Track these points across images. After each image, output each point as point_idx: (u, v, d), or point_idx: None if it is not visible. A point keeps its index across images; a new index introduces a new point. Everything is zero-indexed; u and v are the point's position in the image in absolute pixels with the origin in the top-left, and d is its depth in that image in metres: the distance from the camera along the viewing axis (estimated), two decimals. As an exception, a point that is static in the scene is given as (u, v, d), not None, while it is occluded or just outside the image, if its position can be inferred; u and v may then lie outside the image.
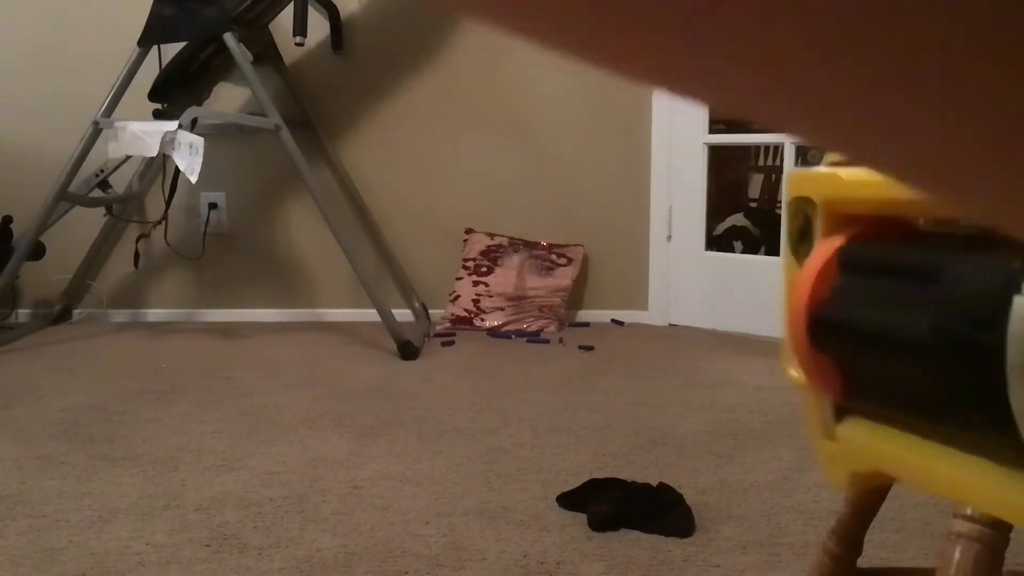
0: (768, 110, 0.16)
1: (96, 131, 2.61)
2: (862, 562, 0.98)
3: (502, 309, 2.99)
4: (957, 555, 0.67)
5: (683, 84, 0.15)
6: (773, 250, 2.88)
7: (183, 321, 3.18)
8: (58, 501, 1.49)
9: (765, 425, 1.92)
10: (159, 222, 3.03)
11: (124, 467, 1.66)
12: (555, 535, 1.35)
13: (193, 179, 2.43)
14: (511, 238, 3.11)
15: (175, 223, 3.13)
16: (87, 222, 3.10)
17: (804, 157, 3.95)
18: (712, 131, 3.00)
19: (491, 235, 3.12)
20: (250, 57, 2.71)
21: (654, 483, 1.52)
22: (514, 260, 3.05)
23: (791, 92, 0.14)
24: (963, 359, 0.29)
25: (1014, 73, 0.12)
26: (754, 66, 0.14)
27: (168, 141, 2.41)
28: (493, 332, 2.94)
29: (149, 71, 2.73)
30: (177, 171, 2.84)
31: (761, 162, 4.53)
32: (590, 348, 2.71)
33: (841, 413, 0.38)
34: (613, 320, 3.14)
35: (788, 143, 2.82)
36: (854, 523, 0.94)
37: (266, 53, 2.97)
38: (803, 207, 0.39)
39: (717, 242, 3.21)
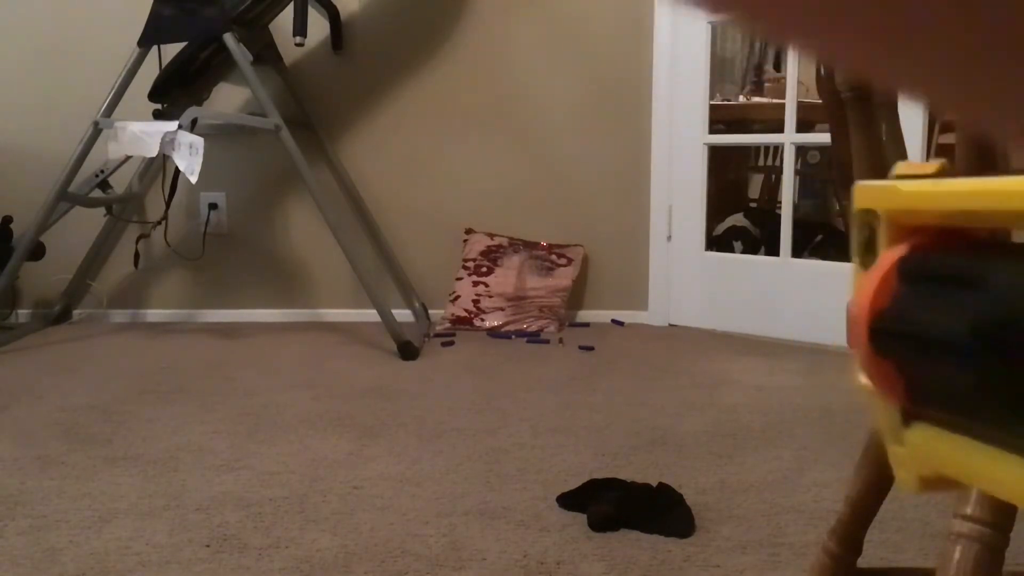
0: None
1: (96, 131, 2.61)
2: (862, 562, 0.98)
3: (502, 309, 2.99)
4: (957, 555, 0.67)
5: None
6: (773, 250, 2.88)
7: (183, 321, 3.18)
8: (58, 501, 1.49)
9: (765, 425, 1.92)
10: (159, 222, 3.03)
11: (124, 467, 1.66)
12: (555, 535, 1.35)
13: (193, 179, 2.43)
14: (511, 238, 3.11)
15: (175, 223, 3.13)
16: (87, 222, 3.10)
17: (804, 158, 3.95)
18: (712, 131, 3.00)
19: (491, 235, 3.12)
20: (250, 57, 2.70)
21: (654, 483, 1.52)
22: (514, 260, 3.05)
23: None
24: (1010, 364, 0.30)
25: None
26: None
27: (168, 141, 2.41)
28: (493, 332, 2.94)
29: (149, 71, 2.73)
30: (177, 171, 2.84)
31: (761, 162, 4.53)
32: (590, 348, 2.71)
33: (908, 419, 0.39)
34: (613, 320, 3.14)
35: (788, 143, 2.82)
36: (854, 523, 0.94)
37: (266, 53, 2.97)
38: (868, 219, 0.40)
39: (717, 242, 3.21)
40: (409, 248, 3.17)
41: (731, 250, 3.16)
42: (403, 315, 3.04)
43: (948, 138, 3.60)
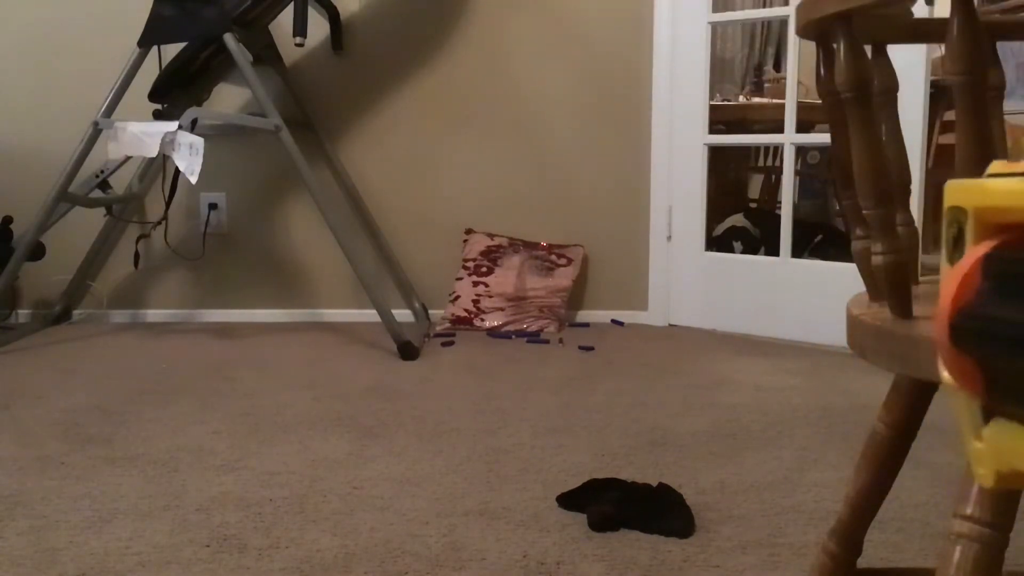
0: None
1: (96, 131, 2.61)
2: (862, 562, 0.98)
3: (502, 309, 2.99)
4: (957, 555, 0.67)
5: None
6: (773, 250, 2.88)
7: (183, 321, 3.18)
8: (58, 501, 1.49)
9: (765, 425, 1.92)
10: (159, 223, 3.03)
11: (124, 467, 1.66)
12: (555, 535, 1.35)
13: (193, 180, 2.43)
14: (511, 238, 3.11)
15: (175, 223, 3.13)
16: (87, 222, 3.11)
17: (804, 158, 3.95)
18: (712, 131, 3.00)
19: (491, 235, 3.12)
20: (250, 58, 2.71)
21: (654, 483, 1.52)
22: (514, 260, 3.06)
23: None
24: None
25: None
26: None
27: (168, 142, 2.41)
28: (493, 332, 2.94)
29: (149, 71, 2.73)
30: (177, 171, 2.84)
31: (761, 162, 4.53)
32: (590, 348, 2.71)
33: (988, 415, 0.39)
34: (613, 320, 3.14)
35: (788, 144, 2.82)
36: (854, 523, 0.94)
37: (266, 54, 2.97)
38: (957, 217, 0.41)
39: (717, 242, 3.21)
40: (409, 248, 3.17)
41: (731, 250, 3.16)
42: (403, 315, 3.04)
43: (948, 138, 3.60)
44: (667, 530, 1.35)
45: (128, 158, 2.91)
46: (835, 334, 2.68)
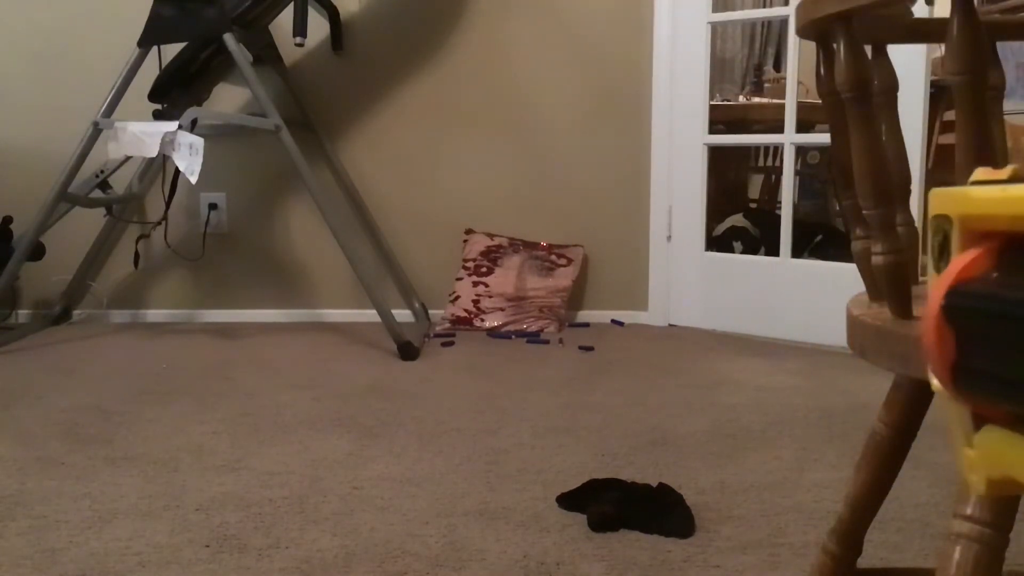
0: None
1: (96, 131, 2.61)
2: (862, 562, 0.98)
3: (502, 309, 2.99)
4: (957, 555, 0.67)
5: None
6: (773, 250, 2.88)
7: (183, 322, 3.18)
8: (58, 501, 1.49)
9: (765, 425, 1.92)
10: (159, 223, 3.03)
11: (124, 467, 1.66)
12: (555, 535, 1.35)
13: (193, 180, 2.43)
14: (511, 238, 3.11)
15: (175, 224, 3.13)
16: (87, 223, 3.11)
17: (804, 158, 3.95)
18: (712, 131, 3.00)
19: (491, 235, 3.12)
20: (250, 58, 2.71)
21: (654, 483, 1.52)
22: (514, 260, 3.06)
23: None
24: None
25: None
26: None
27: (168, 142, 2.41)
28: (493, 332, 2.94)
29: (149, 71, 2.73)
30: (177, 172, 2.84)
31: (761, 162, 4.53)
32: (590, 348, 2.71)
33: (980, 422, 0.39)
34: (613, 320, 3.14)
35: (788, 144, 2.82)
36: (854, 523, 0.94)
37: (266, 54, 2.97)
38: (942, 225, 0.41)
39: (717, 242, 3.21)
40: (409, 248, 3.17)
41: (731, 250, 3.16)
42: (403, 315, 3.04)
43: (948, 138, 3.60)
44: (667, 530, 1.35)
45: (128, 158, 2.91)
46: (835, 334, 2.68)
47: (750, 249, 3.15)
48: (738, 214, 3.35)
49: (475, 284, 3.03)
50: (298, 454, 1.73)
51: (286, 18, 2.83)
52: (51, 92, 3.13)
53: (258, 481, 1.58)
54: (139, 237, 3.12)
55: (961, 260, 0.37)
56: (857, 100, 0.75)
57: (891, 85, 0.87)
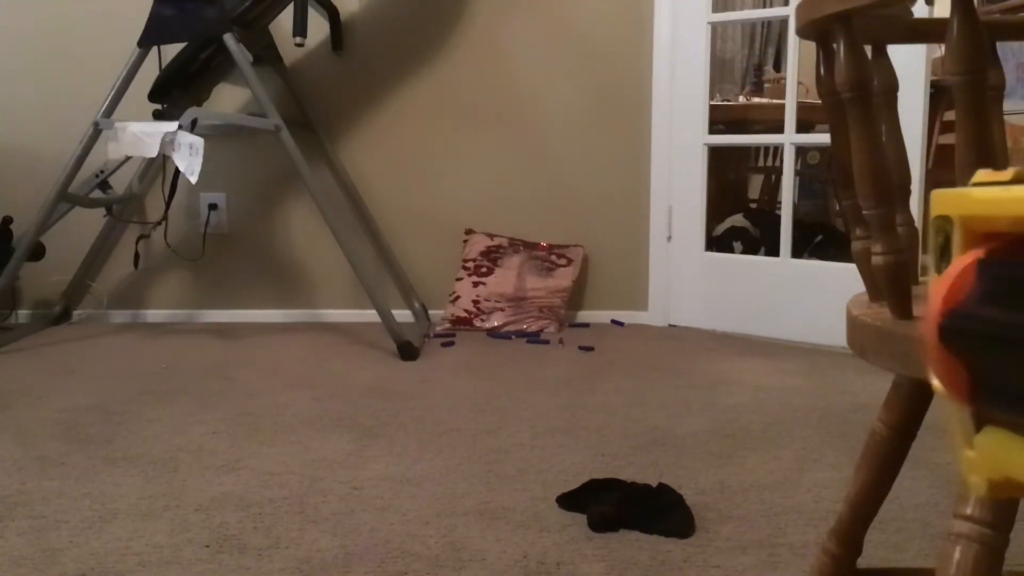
0: None
1: (96, 132, 2.61)
2: (862, 562, 0.98)
3: (502, 310, 2.99)
4: (957, 555, 0.67)
5: None
6: (773, 250, 2.88)
7: (183, 322, 3.18)
8: (58, 502, 1.49)
9: (765, 425, 1.92)
10: (159, 223, 3.03)
11: (124, 468, 1.66)
12: (555, 535, 1.35)
13: (193, 180, 2.43)
14: (511, 238, 3.11)
15: (175, 224, 3.13)
16: (87, 223, 3.11)
17: (804, 158, 3.95)
18: (712, 131, 3.00)
19: (491, 235, 3.12)
20: (250, 58, 2.71)
21: (654, 483, 1.52)
22: (514, 261, 3.06)
23: None
24: None
25: None
26: None
27: (168, 142, 2.41)
28: (493, 333, 2.94)
29: (149, 72, 2.73)
30: (177, 172, 2.84)
31: (761, 162, 4.53)
32: (590, 349, 2.71)
33: (980, 423, 0.39)
34: (613, 321, 3.14)
35: (788, 144, 2.82)
36: (854, 523, 0.94)
37: (266, 54, 2.97)
38: (943, 226, 0.41)
39: (717, 242, 3.21)
40: (409, 248, 3.17)
41: (731, 250, 3.16)
42: (403, 315, 3.04)
43: (948, 138, 3.60)
44: (667, 530, 1.35)
45: (128, 158, 2.91)
46: (835, 334, 2.68)
47: (750, 249, 3.15)
48: (738, 214, 3.35)
49: (475, 284, 3.03)
50: (298, 454, 1.73)
51: (286, 18, 2.83)
52: (51, 92, 3.13)
53: (258, 481, 1.58)
54: (139, 237, 3.12)
55: (953, 271, 0.37)
56: (857, 100, 0.75)
57: (891, 85, 0.87)
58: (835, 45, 0.75)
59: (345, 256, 2.66)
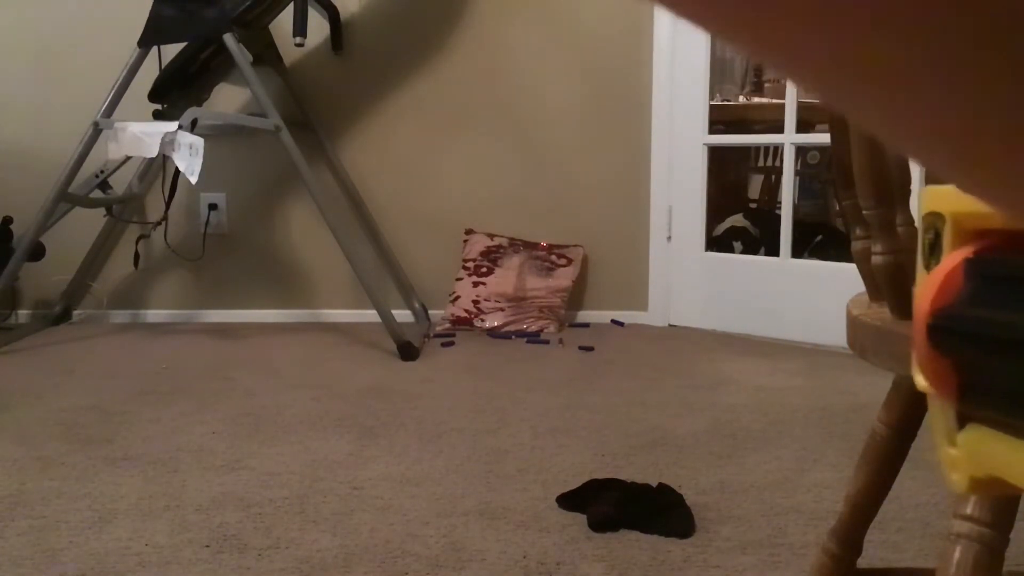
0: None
1: (96, 132, 2.61)
2: (862, 562, 0.98)
3: (502, 310, 2.99)
4: (957, 555, 0.67)
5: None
6: (773, 250, 2.88)
7: (183, 322, 3.18)
8: (58, 502, 1.49)
9: (765, 425, 1.92)
10: (159, 223, 3.03)
11: (124, 468, 1.66)
12: (555, 535, 1.35)
13: (193, 180, 2.43)
14: (511, 239, 3.11)
15: (175, 224, 3.13)
16: (87, 223, 3.10)
17: (804, 158, 3.95)
18: (712, 131, 3.00)
19: (491, 236, 3.12)
20: (250, 58, 2.70)
21: (654, 483, 1.52)
22: (514, 261, 3.05)
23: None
24: None
25: None
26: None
27: (168, 142, 2.41)
28: (493, 333, 2.94)
29: (149, 72, 2.73)
30: (177, 172, 2.84)
31: (761, 163, 4.53)
32: (590, 349, 2.71)
33: (963, 420, 0.39)
34: (613, 321, 3.14)
35: (788, 144, 2.81)
36: (854, 523, 0.94)
37: (266, 54, 2.97)
38: (934, 222, 0.41)
39: (717, 242, 3.21)
40: (409, 248, 3.17)
41: (731, 250, 3.15)
42: (403, 315, 3.04)
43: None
44: (667, 530, 1.35)
45: (128, 158, 2.91)
46: (835, 334, 2.68)
47: (750, 249, 3.15)
48: (738, 214, 3.35)
49: (475, 284, 3.03)
50: (298, 454, 1.73)
51: (286, 18, 2.83)
52: (51, 92, 3.13)
53: (258, 481, 1.58)
54: (139, 237, 3.12)
55: (943, 269, 0.37)
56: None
57: (891, 85, 0.87)
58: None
59: (345, 256, 2.66)
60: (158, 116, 2.80)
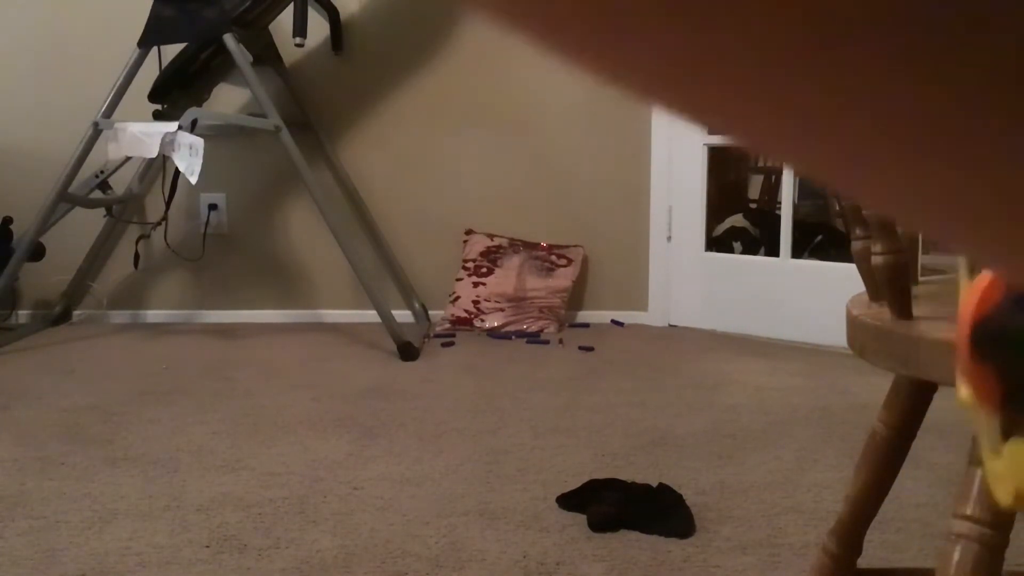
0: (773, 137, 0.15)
1: (96, 132, 2.61)
2: (862, 562, 0.98)
3: (502, 310, 2.99)
4: (957, 555, 0.67)
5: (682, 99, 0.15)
6: (773, 251, 2.88)
7: (183, 322, 3.18)
8: (58, 502, 1.49)
9: (765, 425, 1.92)
10: (159, 223, 3.03)
11: (124, 468, 1.66)
12: (555, 535, 1.35)
13: (193, 180, 2.43)
14: (511, 239, 3.11)
15: (175, 224, 3.13)
16: (87, 223, 3.10)
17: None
18: (712, 132, 2.99)
19: (491, 236, 3.12)
20: (250, 58, 2.70)
21: (654, 483, 1.52)
22: (514, 261, 3.05)
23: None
24: None
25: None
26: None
27: (168, 142, 2.41)
28: (493, 333, 2.94)
29: (149, 72, 2.73)
30: (177, 172, 2.83)
31: (761, 163, 4.53)
32: (590, 349, 2.71)
33: (1008, 433, 0.39)
34: (613, 321, 3.14)
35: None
36: (854, 523, 0.94)
37: (266, 54, 2.97)
38: None
39: (717, 243, 3.20)
40: (409, 249, 3.17)
41: (731, 251, 3.15)
42: (403, 316, 3.04)
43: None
44: (667, 530, 1.35)
45: (128, 159, 2.91)
46: (835, 334, 2.68)
47: (750, 249, 3.15)
48: (738, 214, 3.35)
49: (475, 284, 3.03)
50: (298, 454, 1.73)
51: (286, 18, 2.83)
52: (51, 92, 3.13)
53: (258, 481, 1.58)
54: (139, 237, 3.12)
55: (986, 278, 0.37)
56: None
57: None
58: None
59: (345, 256, 2.66)
60: (158, 116, 2.80)
